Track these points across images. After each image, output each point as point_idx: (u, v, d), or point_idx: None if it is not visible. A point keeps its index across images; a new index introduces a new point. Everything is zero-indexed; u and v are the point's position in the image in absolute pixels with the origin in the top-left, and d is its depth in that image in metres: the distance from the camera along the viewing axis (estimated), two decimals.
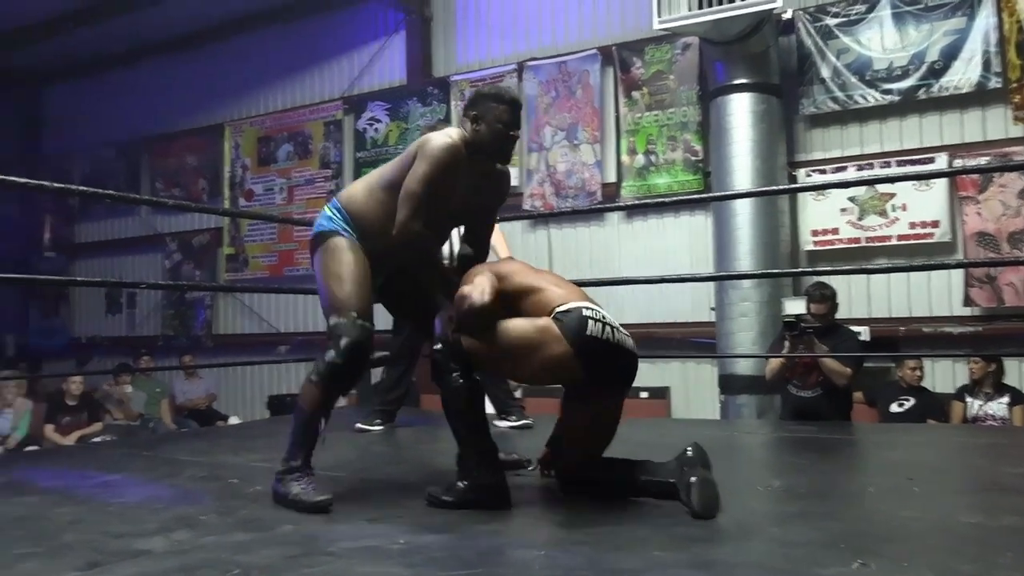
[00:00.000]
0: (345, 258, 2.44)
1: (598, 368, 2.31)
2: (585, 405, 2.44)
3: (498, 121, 2.47)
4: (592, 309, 2.34)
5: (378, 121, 8.10)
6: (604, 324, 2.32)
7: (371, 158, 8.06)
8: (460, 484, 2.25)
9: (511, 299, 2.40)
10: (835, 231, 6.04)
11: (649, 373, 6.75)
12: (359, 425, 3.97)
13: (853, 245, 5.97)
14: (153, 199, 7.04)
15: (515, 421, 3.85)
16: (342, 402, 5.09)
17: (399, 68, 8.08)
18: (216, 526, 2.11)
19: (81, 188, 3.95)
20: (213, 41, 9.19)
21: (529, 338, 2.28)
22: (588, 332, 2.27)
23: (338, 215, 2.52)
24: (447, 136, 2.44)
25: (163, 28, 9.02)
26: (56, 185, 3.82)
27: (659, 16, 5.86)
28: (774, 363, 4.43)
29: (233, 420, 7.77)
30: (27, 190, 3.60)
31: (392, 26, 8.08)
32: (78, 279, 8.82)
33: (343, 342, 2.34)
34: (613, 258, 6.89)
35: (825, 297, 4.37)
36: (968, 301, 5.62)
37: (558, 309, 2.32)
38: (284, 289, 7.98)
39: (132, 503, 2.43)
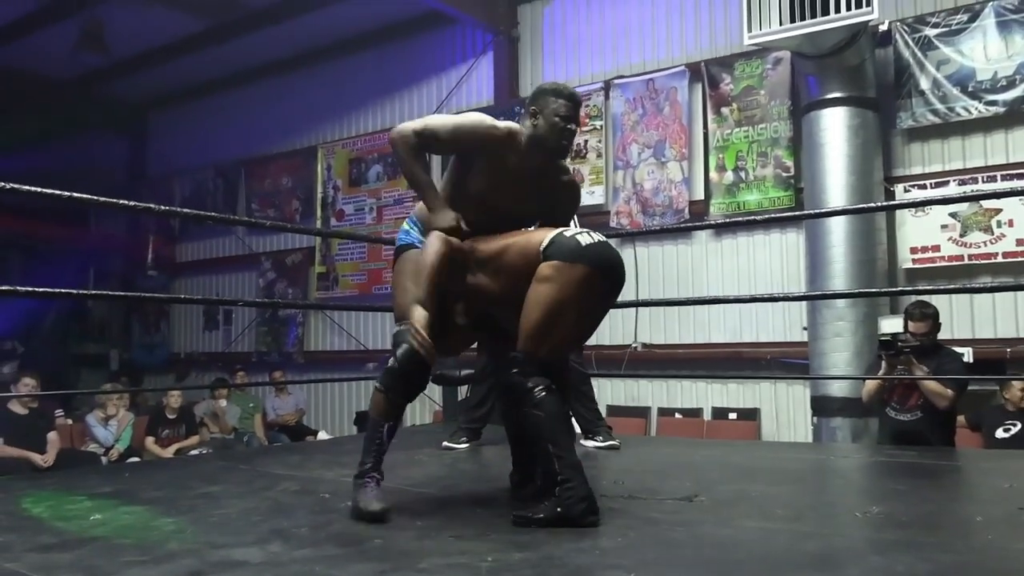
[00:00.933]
0: (413, 269, 2.51)
1: (609, 270, 2.36)
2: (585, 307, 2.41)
3: (555, 115, 2.53)
4: (562, 231, 2.39)
5: None
6: (584, 232, 2.37)
7: None
8: (549, 502, 2.24)
9: (491, 260, 2.44)
10: (936, 248, 5.81)
11: (738, 394, 6.63)
12: (445, 443, 4.01)
13: (955, 263, 5.73)
14: (250, 220, 7.32)
15: (602, 441, 3.82)
16: (427, 419, 5.18)
17: (487, 88, 8.19)
18: (309, 539, 2.16)
19: (183, 210, 4.15)
20: (307, 66, 9.51)
21: (553, 298, 2.30)
22: (584, 244, 2.33)
23: (414, 228, 2.62)
24: (489, 119, 2.55)
25: (260, 55, 9.39)
26: (160, 207, 4.02)
27: (749, 31, 5.77)
28: (871, 384, 4.28)
29: (322, 435, 7.96)
30: (135, 213, 3.79)
31: (480, 47, 8.21)
32: (178, 296, 9.20)
33: (401, 348, 2.41)
34: (701, 276, 6.79)
35: (926, 315, 4.19)
36: None
37: (542, 249, 2.35)
38: (372, 307, 8.13)
39: (231, 515, 2.51)
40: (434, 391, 6.38)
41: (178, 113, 11.02)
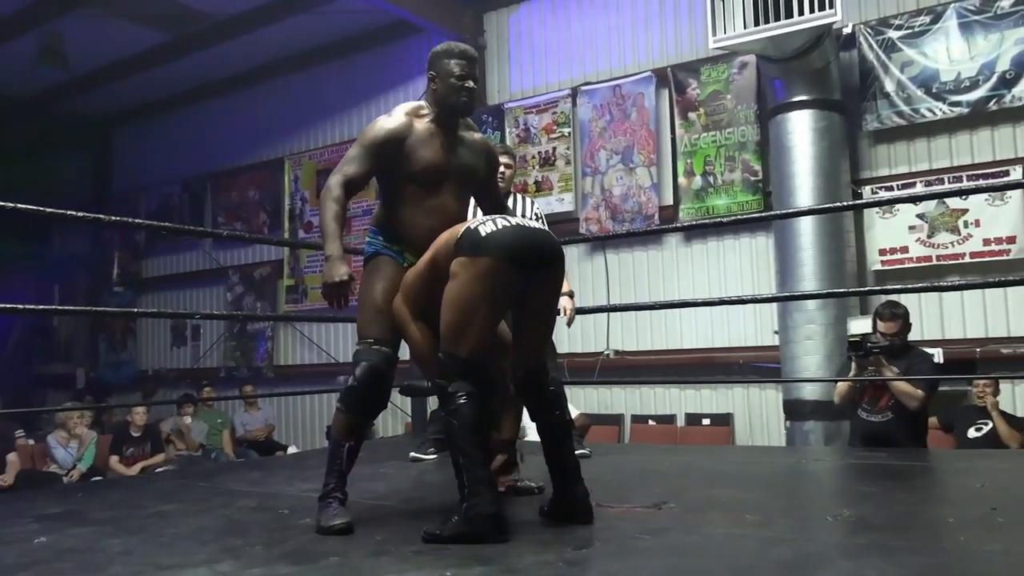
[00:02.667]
0: (375, 285, 2.52)
1: (516, 255, 2.26)
2: (524, 307, 2.40)
3: (450, 75, 2.57)
4: (472, 223, 2.36)
5: None
6: (489, 221, 2.33)
7: None
8: (455, 518, 2.15)
9: (432, 271, 2.42)
10: (904, 249, 5.81)
11: (711, 399, 6.59)
12: (413, 454, 3.93)
13: (924, 264, 5.74)
14: (211, 231, 7.16)
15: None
16: (399, 430, 5.10)
17: None
18: (262, 557, 2.07)
19: (142, 222, 4.03)
20: (272, 77, 9.41)
21: (462, 294, 2.26)
22: (485, 234, 2.27)
23: (376, 237, 2.62)
24: (390, 115, 2.60)
25: (225, 67, 9.27)
26: (119, 219, 3.92)
27: (714, 35, 5.77)
28: (842, 386, 4.26)
29: (292, 450, 7.82)
30: (95, 225, 3.69)
31: None
32: (140, 311, 9.05)
33: (359, 367, 2.43)
34: (672, 282, 6.75)
35: (896, 315, 4.17)
36: None
37: (455, 245, 2.33)
38: (341, 318, 8.02)
39: (182, 534, 2.41)
40: (404, 402, 6.29)
41: (142, 128, 10.86)
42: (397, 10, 7.46)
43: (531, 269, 2.30)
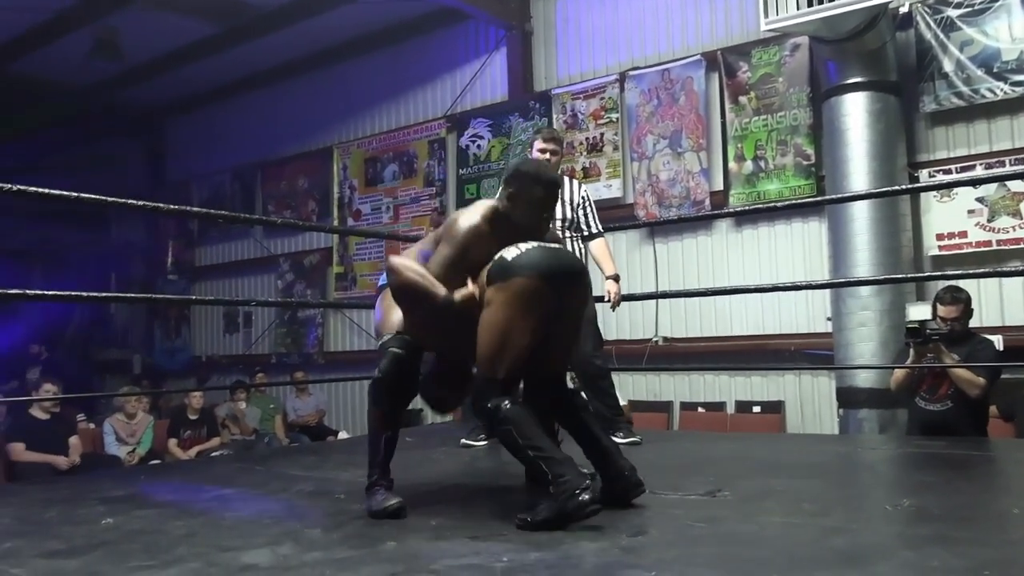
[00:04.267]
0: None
1: (547, 273, 2.33)
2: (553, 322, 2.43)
3: (531, 203, 2.51)
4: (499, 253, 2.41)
5: (480, 138, 8.16)
6: (515, 247, 2.39)
7: (473, 175, 8.13)
8: (547, 502, 2.16)
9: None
10: (963, 234, 5.67)
11: (762, 387, 6.52)
12: (464, 440, 3.96)
13: (983, 248, 5.59)
14: (264, 219, 7.25)
15: (623, 438, 3.74)
16: (448, 417, 5.15)
17: (501, 84, 8.12)
18: (321, 541, 2.11)
19: (198, 210, 4.11)
20: (321, 67, 9.49)
21: (496, 319, 2.33)
22: (511, 258, 2.35)
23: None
24: (473, 217, 2.49)
25: (273, 57, 9.38)
26: (176, 208, 4.00)
27: (766, 17, 5.67)
28: (899, 374, 4.17)
29: (342, 435, 7.94)
30: (153, 213, 3.78)
31: (493, 43, 8.14)
32: (195, 298, 9.21)
33: (384, 358, 2.50)
34: (722, 269, 6.68)
35: (958, 300, 4.07)
36: None
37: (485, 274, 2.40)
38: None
39: (244, 517, 2.47)
40: None
41: (194, 118, 11.05)
42: None
43: (561, 285, 2.37)
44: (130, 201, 3.64)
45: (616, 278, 4.08)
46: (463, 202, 8.17)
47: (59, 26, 8.42)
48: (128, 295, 6.65)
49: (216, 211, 4.38)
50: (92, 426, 7.19)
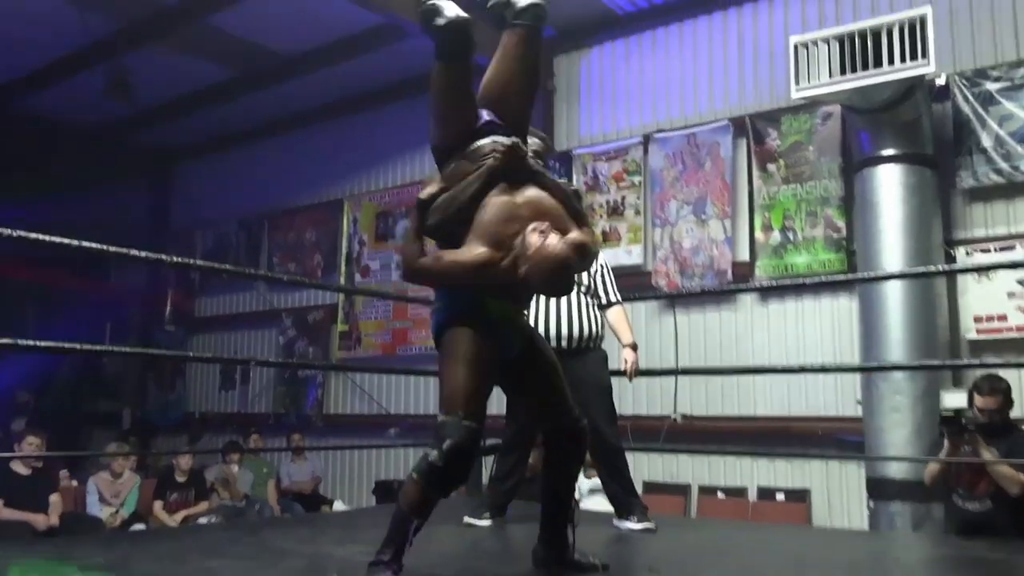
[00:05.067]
0: (461, 348, 2.45)
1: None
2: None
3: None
4: None
5: None
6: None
7: None
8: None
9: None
10: (1003, 317, 5.61)
11: (787, 472, 6.40)
12: (467, 519, 3.88)
13: None
14: (267, 274, 7.27)
15: (637, 523, 3.67)
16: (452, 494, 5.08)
17: None
18: None
19: (201, 263, 4.12)
20: (337, 117, 9.63)
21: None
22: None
23: (444, 301, 2.57)
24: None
25: (289, 105, 9.54)
26: (179, 260, 4.01)
27: (797, 84, 5.73)
28: (933, 467, 4.09)
29: (338, 505, 7.83)
30: (154, 264, 3.79)
31: None
32: (190, 354, 9.20)
33: (446, 444, 2.34)
34: (746, 344, 6.63)
35: (996, 390, 4.01)
36: None
37: None
38: (394, 369, 8.08)
39: None
40: None
41: (204, 163, 11.21)
42: None
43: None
44: (131, 251, 3.64)
45: (634, 347, 4.05)
46: None
47: (72, 64, 8.62)
48: (119, 348, 6.66)
49: (218, 265, 4.38)
50: (75, 483, 7.13)
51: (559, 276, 2.34)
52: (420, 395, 8.43)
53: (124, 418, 11.07)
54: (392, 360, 8.62)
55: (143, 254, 3.67)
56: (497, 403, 3.89)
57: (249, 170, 10.50)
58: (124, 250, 3.62)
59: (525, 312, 2.79)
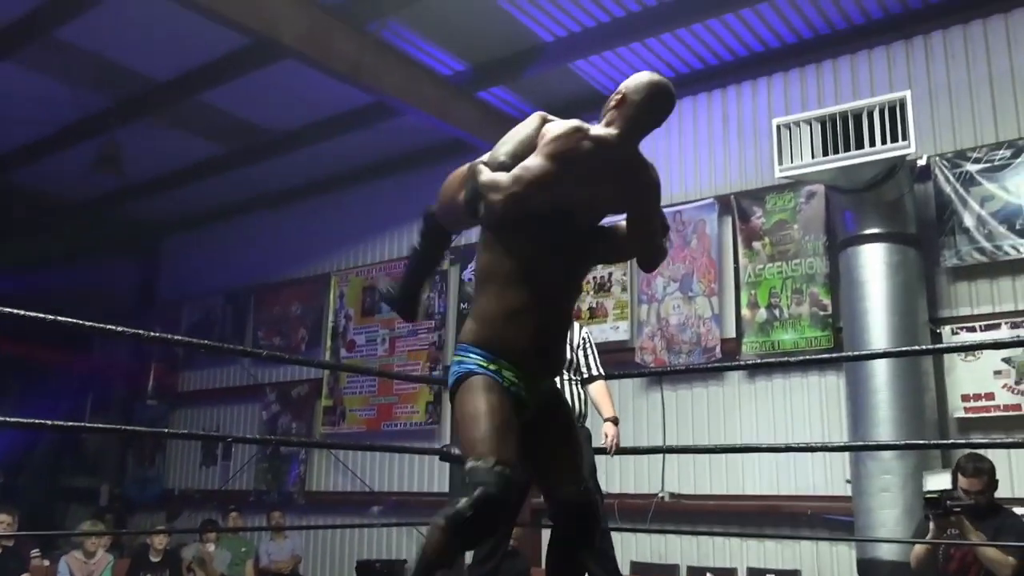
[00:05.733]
0: (481, 397, 2.37)
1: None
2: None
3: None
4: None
5: None
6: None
7: None
8: None
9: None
10: (990, 396, 5.62)
11: (776, 552, 6.31)
12: None
13: (1012, 413, 5.52)
14: (250, 351, 7.25)
15: None
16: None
17: None
18: None
19: (181, 338, 4.11)
20: (325, 192, 9.75)
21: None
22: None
23: (469, 354, 2.48)
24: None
25: (278, 180, 9.66)
26: (158, 335, 4.01)
27: (780, 164, 5.85)
28: (919, 550, 4.04)
29: None
30: (134, 340, 3.78)
31: None
32: (168, 431, 9.14)
33: (477, 491, 2.21)
34: (734, 421, 6.61)
35: (980, 470, 3.99)
36: None
37: None
38: (375, 446, 8.01)
39: None
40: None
41: (191, 237, 11.28)
42: (455, 130, 7.75)
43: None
44: (108, 327, 3.64)
45: (615, 421, 4.05)
46: None
47: (63, 139, 8.73)
48: (94, 425, 6.60)
49: (197, 340, 4.38)
50: (47, 563, 6.96)
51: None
52: (404, 472, 8.33)
53: (102, 494, 10.89)
54: (377, 436, 8.54)
55: (120, 329, 3.65)
56: None
57: (237, 244, 10.57)
58: (102, 325, 3.62)
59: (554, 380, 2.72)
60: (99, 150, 8.75)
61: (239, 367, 10.04)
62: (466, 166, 2.58)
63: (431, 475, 8.05)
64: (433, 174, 8.75)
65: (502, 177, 2.42)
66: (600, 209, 2.64)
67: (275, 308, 9.95)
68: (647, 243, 2.68)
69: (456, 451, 4.93)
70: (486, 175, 2.45)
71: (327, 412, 9.11)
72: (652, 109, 2.54)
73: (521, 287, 2.47)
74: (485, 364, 2.42)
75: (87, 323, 3.55)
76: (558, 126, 2.50)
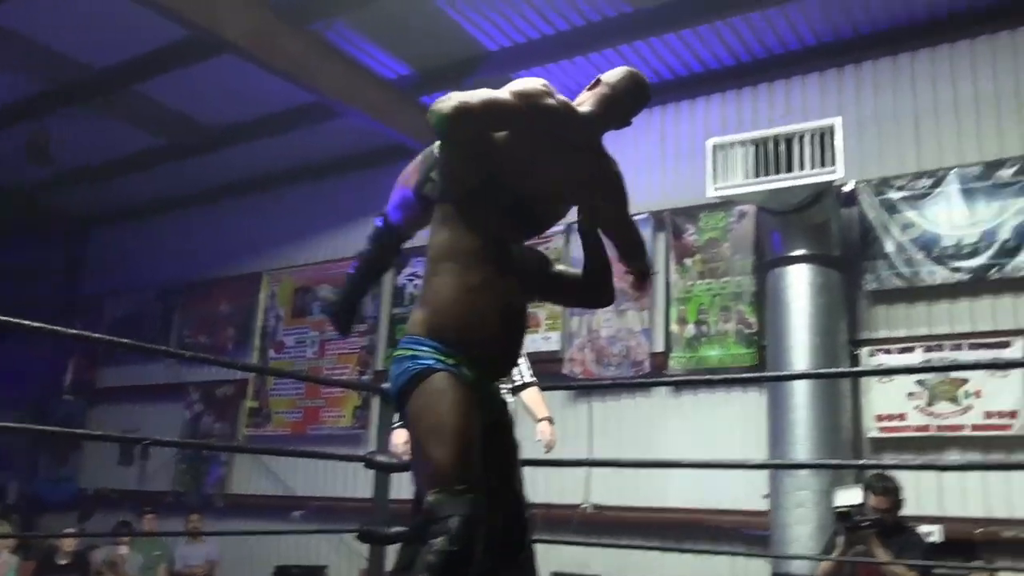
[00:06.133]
0: (445, 403, 2.07)
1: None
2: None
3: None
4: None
5: (419, 277, 8.24)
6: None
7: (407, 314, 8.17)
8: None
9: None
10: (902, 417, 5.81)
11: (697, 566, 6.39)
12: None
13: (923, 434, 5.72)
14: (173, 351, 7.14)
15: None
16: None
17: None
18: None
19: (100, 336, 4.00)
20: (262, 190, 9.64)
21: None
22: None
23: (418, 347, 2.19)
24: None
25: (214, 176, 9.53)
26: (77, 332, 3.89)
27: (714, 183, 5.98)
28: (825, 566, 4.16)
29: None
30: (51, 336, 3.63)
31: None
32: (81, 431, 8.91)
33: (453, 523, 1.94)
34: (660, 433, 6.71)
35: (888, 490, 4.15)
36: None
37: None
38: (296, 451, 7.91)
39: None
40: (363, 546, 6.12)
41: (122, 230, 11.04)
42: (396, 134, 7.74)
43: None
44: (29, 323, 3.45)
45: (550, 420, 4.09)
46: (394, 343, 8.18)
47: None
48: (4, 424, 6.34)
49: (119, 339, 4.25)
50: None
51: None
52: (328, 476, 8.24)
53: (10, 492, 10.51)
54: (302, 439, 8.45)
55: (36, 325, 3.48)
56: (403, 485, 3.91)
57: (167, 239, 10.37)
58: (17, 320, 3.44)
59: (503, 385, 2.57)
60: (29, 137, 8.53)
61: (163, 365, 9.82)
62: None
63: (355, 480, 7.96)
64: (373, 177, 8.83)
65: (457, 92, 2.24)
66: (560, 194, 2.51)
67: (204, 306, 9.78)
68: (637, 252, 2.69)
69: (382, 459, 4.89)
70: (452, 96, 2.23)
71: (252, 413, 8.98)
72: (628, 95, 2.48)
73: (485, 266, 2.23)
74: (443, 358, 2.13)
75: (5, 319, 3.38)
76: (524, 80, 2.39)
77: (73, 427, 9.75)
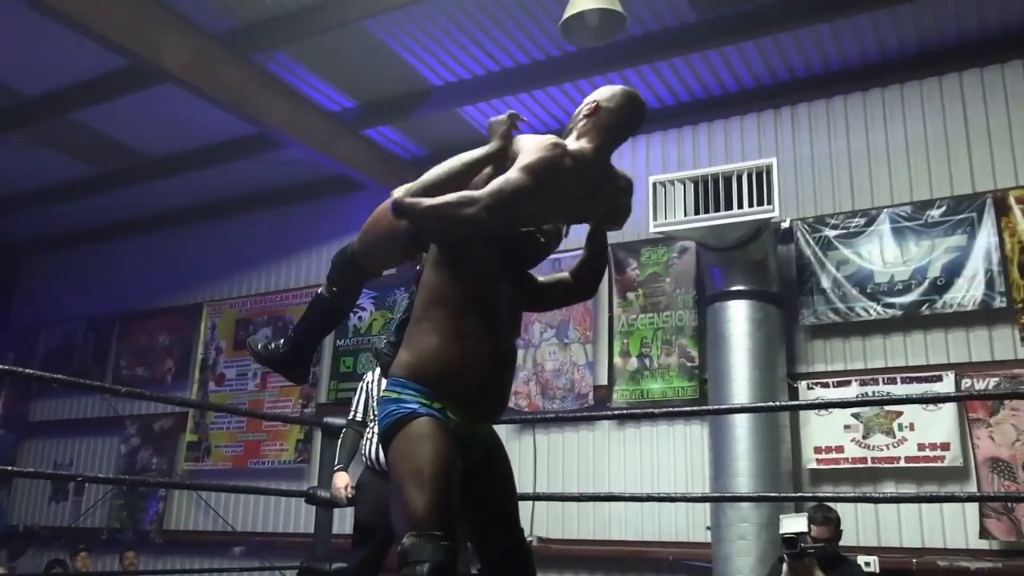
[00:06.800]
0: (427, 448, 2.10)
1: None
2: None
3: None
4: None
5: (363, 309, 8.22)
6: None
7: (352, 347, 8.12)
8: None
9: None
10: (839, 449, 5.96)
11: None
12: None
13: (859, 465, 5.88)
14: (108, 387, 6.99)
15: None
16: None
17: None
18: None
19: (31, 372, 3.91)
20: (201, 220, 9.51)
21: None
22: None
23: (404, 390, 2.22)
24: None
25: (151, 206, 9.38)
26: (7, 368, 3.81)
27: (655, 219, 6.09)
28: None
29: None
30: None
31: None
32: (12, 469, 8.63)
33: (422, 569, 1.97)
34: (603, 465, 6.77)
35: (828, 519, 4.26)
36: (984, 533, 5.46)
37: None
38: (238, 488, 7.79)
39: None
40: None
41: (54, 259, 10.78)
42: (339, 166, 7.73)
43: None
44: None
45: None
46: (338, 375, 8.11)
47: None
48: None
49: (45, 373, 4.14)
50: None
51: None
52: (270, 512, 8.12)
53: None
54: (243, 473, 8.31)
55: None
56: (346, 520, 3.88)
57: (103, 269, 10.17)
58: None
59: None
60: None
61: (98, 398, 9.58)
62: (400, 191, 2.37)
63: (296, 515, 7.88)
64: (315, 208, 8.80)
65: (476, 192, 2.22)
66: (568, 225, 2.60)
67: (141, 337, 9.57)
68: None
69: (324, 494, 4.87)
70: (451, 196, 2.23)
71: (191, 447, 8.81)
72: (626, 118, 2.48)
73: (477, 312, 2.25)
74: (428, 402, 2.17)
75: None
76: (535, 141, 2.33)
77: (3, 462, 9.43)
